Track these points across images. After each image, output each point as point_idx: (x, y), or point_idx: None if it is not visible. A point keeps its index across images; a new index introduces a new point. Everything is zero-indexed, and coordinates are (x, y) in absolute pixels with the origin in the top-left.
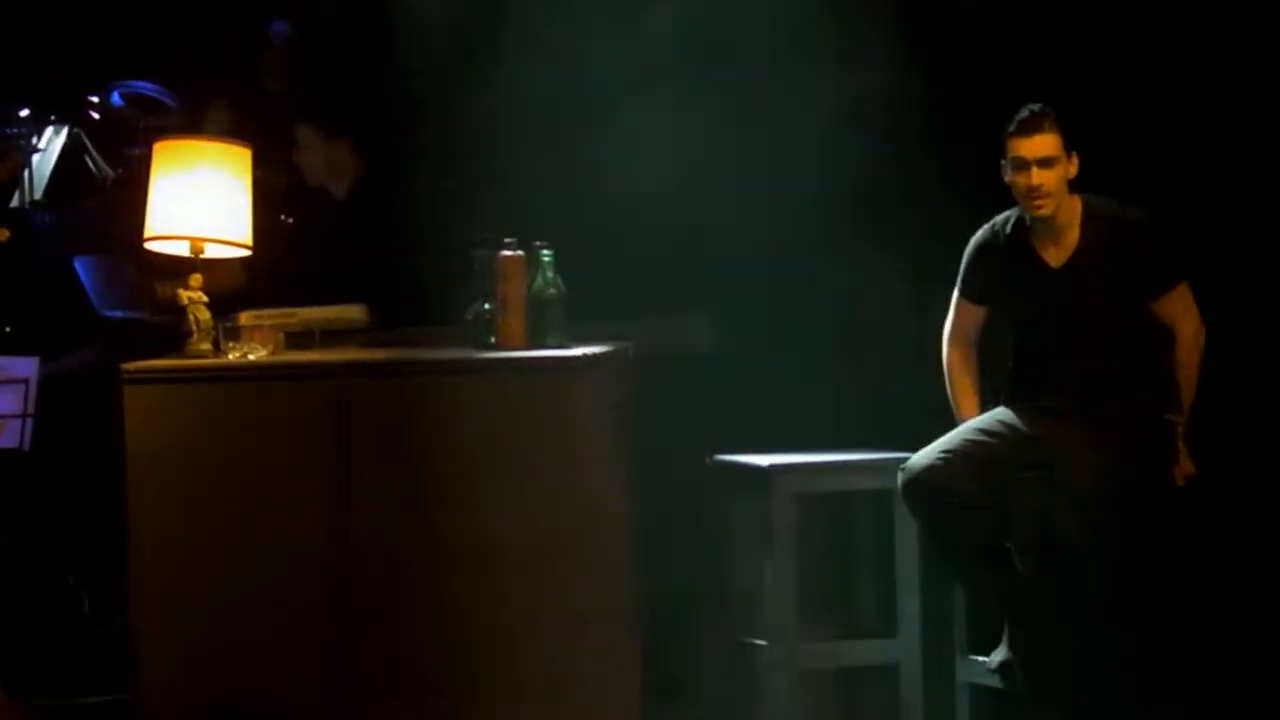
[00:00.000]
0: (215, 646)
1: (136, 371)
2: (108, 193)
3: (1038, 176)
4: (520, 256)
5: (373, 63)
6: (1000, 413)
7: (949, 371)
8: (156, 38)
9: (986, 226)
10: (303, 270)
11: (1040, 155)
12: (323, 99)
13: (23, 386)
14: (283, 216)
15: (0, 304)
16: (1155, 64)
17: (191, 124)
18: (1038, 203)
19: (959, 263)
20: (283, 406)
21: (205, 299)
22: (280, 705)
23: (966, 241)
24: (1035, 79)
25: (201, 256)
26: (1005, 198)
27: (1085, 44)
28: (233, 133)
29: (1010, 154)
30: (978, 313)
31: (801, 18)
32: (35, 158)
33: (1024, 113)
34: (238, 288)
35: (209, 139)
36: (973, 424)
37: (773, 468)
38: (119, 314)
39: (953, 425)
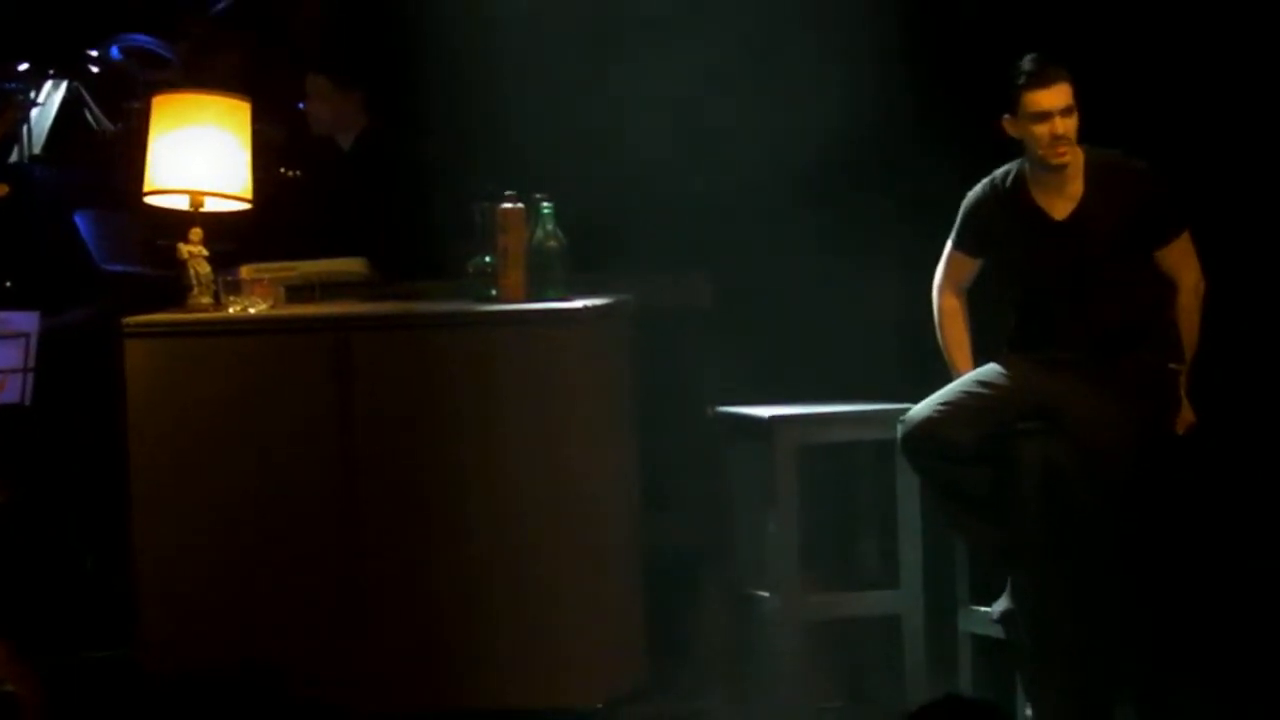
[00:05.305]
0: (219, 601)
1: (137, 325)
2: (107, 147)
3: (1061, 125)
4: (520, 209)
5: (381, 15)
6: (1000, 365)
7: (941, 322)
8: None
9: (985, 181)
10: (305, 223)
11: (1063, 104)
12: (338, 50)
13: (23, 341)
14: (284, 170)
15: (0, 259)
16: (1145, 13)
17: (191, 77)
18: (1061, 150)
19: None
20: (283, 359)
21: (205, 253)
22: (285, 658)
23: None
24: (1030, 29)
25: (201, 210)
26: (1005, 150)
27: None
28: (238, 84)
29: (1028, 108)
30: (972, 265)
31: None
32: (34, 112)
33: (1032, 65)
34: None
35: (207, 93)
36: (972, 376)
37: (774, 419)
38: (119, 268)
39: (952, 377)
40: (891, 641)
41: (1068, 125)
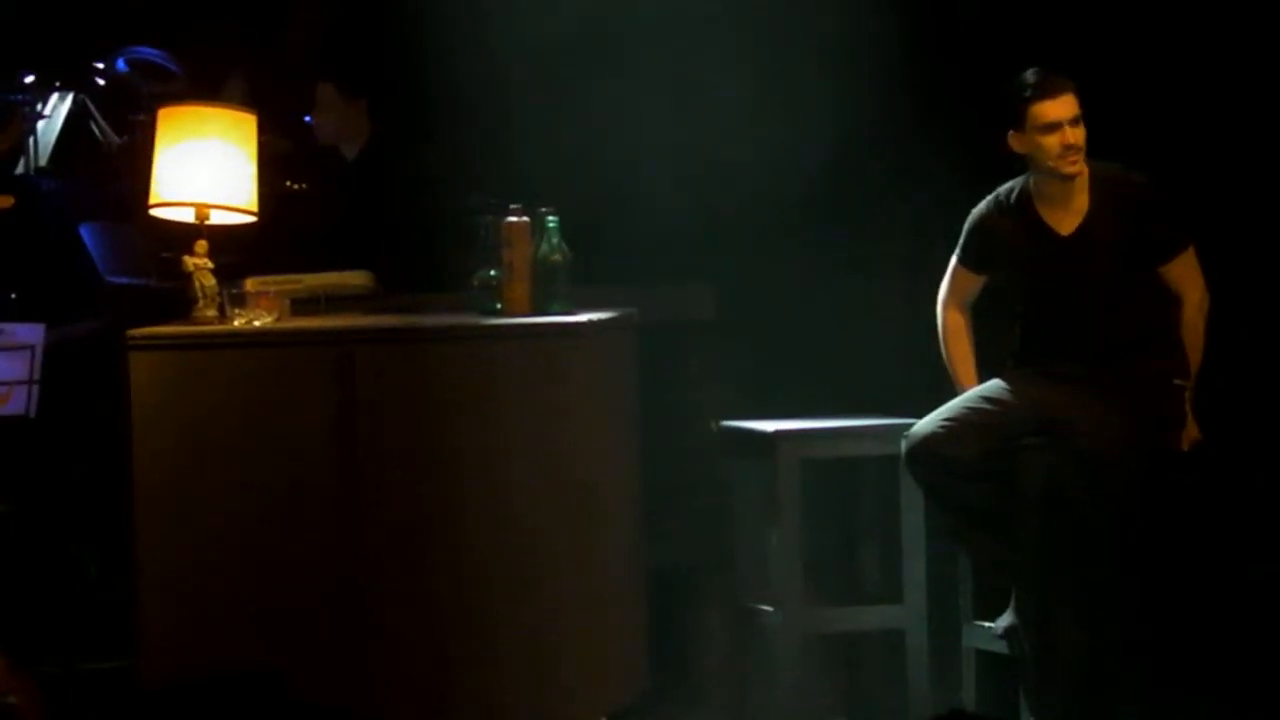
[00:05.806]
0: (221, 611)
1: (142, 338)
2: (113, 159)
3: (1072, 135)
4: (525, 222)
5: (385, 24)
6: (1004, 380)
7: (945, 337)
8: (162, 2)
9: (990, 198)
10: (310, 235)
11: (1071, 114)
12: (342, 58)
13: (28, 353)
14: (289, 183)
15: (5, 271)
16: (1144, 27)
17: (198, 90)
18: (1073, 159)
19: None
20: (288, 373)
21: (210, 265)
22: (287, 669)
23: (971, 208)
24: (1032, 41)
25: (206, 222)
26: (1011, 162)
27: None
28: (249, 100)
29: (1037, 120)
30: (976, 281)
31: None
32: (40, 124)
33: (1037, 77)
34: None
35: (212, 105)
36: (976, 391)
37: (778, 433)
38: (124, 280)
39: (957, 392)
40: (894, 657)
41: (1077, 135)
